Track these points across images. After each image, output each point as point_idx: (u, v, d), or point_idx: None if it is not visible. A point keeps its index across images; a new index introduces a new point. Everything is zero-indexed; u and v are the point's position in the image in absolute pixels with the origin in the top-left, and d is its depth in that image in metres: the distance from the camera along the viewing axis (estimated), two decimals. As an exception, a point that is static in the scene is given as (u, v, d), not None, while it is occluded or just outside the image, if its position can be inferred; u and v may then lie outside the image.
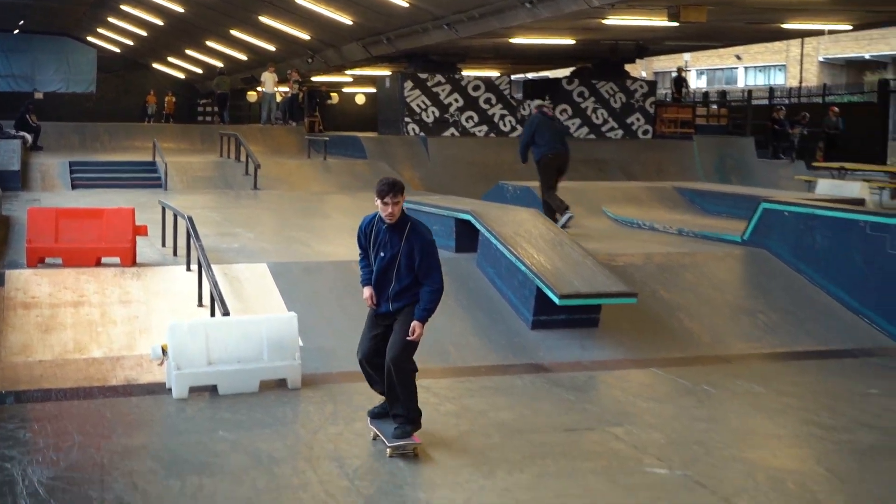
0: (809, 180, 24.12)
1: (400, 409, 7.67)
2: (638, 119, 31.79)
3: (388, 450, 7.59)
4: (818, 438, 8.57)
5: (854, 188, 20.49)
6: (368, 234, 7.70)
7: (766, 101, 36.50)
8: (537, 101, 16.81)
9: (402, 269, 7.54)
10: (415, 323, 7.54)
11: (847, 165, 25.03)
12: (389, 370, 7.54)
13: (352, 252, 13.69)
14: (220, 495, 6.91)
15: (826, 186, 21.34)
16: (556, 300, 10.84)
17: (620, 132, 31.58)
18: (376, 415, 8.00)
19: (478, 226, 12.58)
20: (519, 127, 29.18)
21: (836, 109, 30.62)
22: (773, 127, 31.42)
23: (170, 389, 9.15)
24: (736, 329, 12.05)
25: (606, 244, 13.97)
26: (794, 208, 13.79)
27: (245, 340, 9.33)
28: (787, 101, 37.92)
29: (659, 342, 11.40)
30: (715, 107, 37.47)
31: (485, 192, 19.84)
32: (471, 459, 7.75)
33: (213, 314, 10.41)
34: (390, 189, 7.52)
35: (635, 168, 27.87)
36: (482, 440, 8.17)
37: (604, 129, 31.49)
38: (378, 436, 7.83)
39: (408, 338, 7.54)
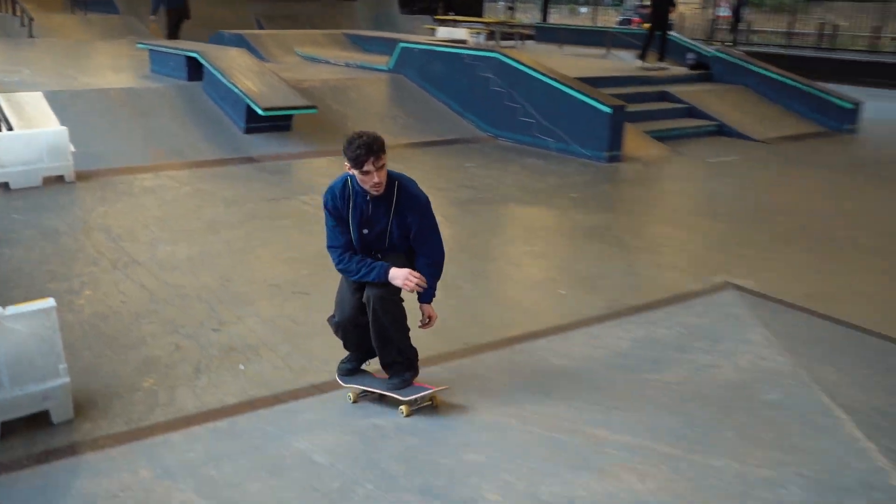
0: (433, 28, 24.30)
1: (393, 355, 4.38)
2: (319, -15, 30.67)
3: (402, 408, 4.34)
4: (435, 196, 8.97)
5: (461, 33, 20.91)
6: (343, 211, 4.24)
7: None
8: None
9: (395, 240, 4.28)
10: (427, 308, 4.37)
11: (457, 18, 25.41)
12: (375, 311, 4.21)
13: (108, 81, 12.84)
14: (16, 259, 6.55)
15: (443, 32, 21.58)
16: (260, 112, 10.63)
17: (307, -6, 30.41)
18: (348, 371, 4.56)
19: (203, 62, 11.96)
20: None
21: (453, -21, 30.83)
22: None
23: (-29, 187, 8.43)
24: (384, 128, 12.23)
25: (296, 74, 13.66)
26: (421, 46, 13.99)
27: (28, 148, 8.61)
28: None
29: (332, 139, 11.38)
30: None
31: (208, 37, 18.75)
32: (202, 224, 7.69)
33: (0, 130, 9.50)
34: (368, 151, 4.02)
35: (317, 21, 26.95)
36: (211, 210, 8.11)
37: (295, -8, 30.19)
38: (366, 392, 4.52)
39: (420, 326, 4.41)
